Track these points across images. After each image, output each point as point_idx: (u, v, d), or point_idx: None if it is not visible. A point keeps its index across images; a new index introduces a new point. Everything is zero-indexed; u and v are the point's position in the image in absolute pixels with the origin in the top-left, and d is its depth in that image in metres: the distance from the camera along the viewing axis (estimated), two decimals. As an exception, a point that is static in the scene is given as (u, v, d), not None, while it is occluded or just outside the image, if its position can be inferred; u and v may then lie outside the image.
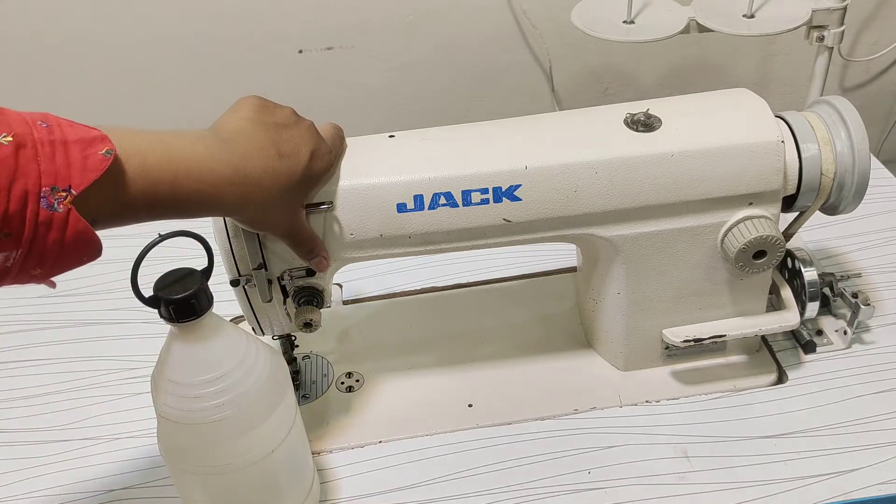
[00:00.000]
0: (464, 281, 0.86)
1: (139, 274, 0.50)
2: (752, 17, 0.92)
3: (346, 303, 0.85)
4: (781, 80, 1.33)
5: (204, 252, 0.53)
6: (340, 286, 0.87)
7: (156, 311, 0.51)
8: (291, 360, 0.75)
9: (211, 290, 0.53)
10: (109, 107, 1.16)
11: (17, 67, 1.09)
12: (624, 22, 0.92)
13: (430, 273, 0.87)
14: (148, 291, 0.51)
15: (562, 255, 0.88)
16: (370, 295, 0.86)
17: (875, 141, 1.44)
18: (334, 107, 1.23)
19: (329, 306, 0.71)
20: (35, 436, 0.73)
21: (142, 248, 0.50)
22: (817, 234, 0.87)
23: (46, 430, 0.74)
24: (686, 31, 0.91)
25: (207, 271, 0.53)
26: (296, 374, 0.76)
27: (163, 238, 0.51)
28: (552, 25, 1.17)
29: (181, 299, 0.51)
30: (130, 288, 0.50)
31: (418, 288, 0.86)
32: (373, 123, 1.26)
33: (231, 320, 0.82)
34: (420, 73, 1.23)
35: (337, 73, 1.22)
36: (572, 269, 0.86)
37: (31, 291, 0.88)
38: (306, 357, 0.78)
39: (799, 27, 0.90)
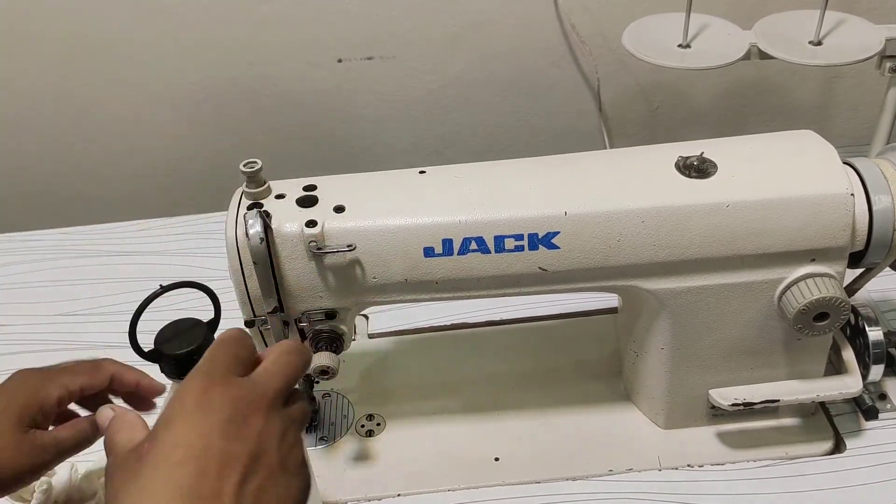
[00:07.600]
0: (496, 318, 0.82)
1: (142, 325, 0.46)
2: (819, 43, 0.85)
3: (371, 336, 0.81)
4: (846, 104, 1.24)
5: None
6: (366, 317, 0.82)
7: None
8: (311, 399, 0.71)
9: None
10: (143, 115, 1.13)
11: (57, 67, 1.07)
12: (679, 46, 0.86)
13: (461, 307, 0.82)
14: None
15: (603, 294, 0.82)
16: (397, 328, 0.81)
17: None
18: (372, 117, 1.19)
19: (355, 339, 0.67)
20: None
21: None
22: (883, 282, 0.80)
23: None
24: (746, 57, 0.85)
25: (213, 323, 0.49)
26: (314, 414, 0.72)
27: (164, 290, 0.47)
28: (602, 41, 1.12)
29: (183, 355, 0.47)
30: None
31: (448, 323, 0.82)
32: (412, 135, 1.22)
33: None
34: (462, 86, 1.18)
35: (376, 84, 1.18)
36: (614, 311, 0.80)
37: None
38: (326, 395, 0.74)
39: (870, 58, 0.83)
